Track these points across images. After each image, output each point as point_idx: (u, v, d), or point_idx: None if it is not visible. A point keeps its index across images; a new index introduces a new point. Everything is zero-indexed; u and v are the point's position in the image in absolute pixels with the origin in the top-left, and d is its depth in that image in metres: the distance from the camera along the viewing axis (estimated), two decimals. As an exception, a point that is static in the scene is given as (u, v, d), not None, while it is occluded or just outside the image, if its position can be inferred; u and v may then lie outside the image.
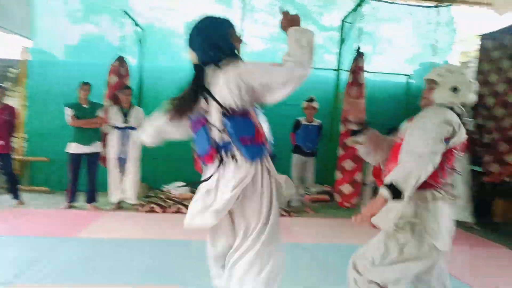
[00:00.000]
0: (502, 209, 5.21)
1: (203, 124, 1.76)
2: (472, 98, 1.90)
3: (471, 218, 4.89)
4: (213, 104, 1.71)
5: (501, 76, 4.88)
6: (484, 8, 6.28)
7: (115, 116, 4.85)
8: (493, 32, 5.52)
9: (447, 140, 1.74)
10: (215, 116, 1.72)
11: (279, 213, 1.85)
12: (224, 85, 1.66)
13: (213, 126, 1.73)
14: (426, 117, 1.83)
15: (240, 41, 1.85)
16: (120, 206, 5.01)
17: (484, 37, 5.52)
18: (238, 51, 1.82)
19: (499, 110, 4.77)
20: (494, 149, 4.71)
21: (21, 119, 5.86)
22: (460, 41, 8.18)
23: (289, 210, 5.08)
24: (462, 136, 1.80)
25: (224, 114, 1.69)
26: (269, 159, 1.80)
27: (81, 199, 4.95)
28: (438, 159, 1.71)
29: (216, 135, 1.73)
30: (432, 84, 1.91)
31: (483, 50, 5.34)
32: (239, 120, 1.69)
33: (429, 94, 1.93)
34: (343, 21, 6.19)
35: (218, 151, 1.74)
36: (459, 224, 5.02)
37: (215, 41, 1.75)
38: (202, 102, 1.78)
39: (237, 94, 1.65)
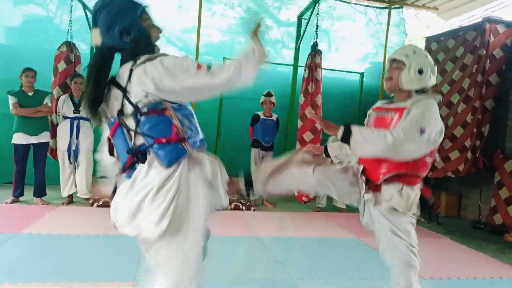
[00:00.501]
0: (445, 203, 5.65)
1: (118, 125, 1.51)
2: (433, 81, 1.92)
3: (418, 211, 5.24)
4: (126, 102, 1.48)
5: (446, 78, 5.24)
6: (430, 12, 6.70)
7: (65, 106, 4.60)
8: (437, 35, 5.91)
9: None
10: (128, 116, 1.49)
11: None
12: (134, 80, 1.45)
13: (127, 127, 1.49)
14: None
15: (159, 30, 1.62)
16: (72, 200, 4.78)
17: (429, 39, 5.88)
18: (154, 41, 1.61)
19: (443, 109, 5.13)
20: (439, 147, 5.08)
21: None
22: (409, 42, 8.66)
23: (247, 203, 5.14)
24: None
25: (135, 113, 1.46)
26: (196, 158, 1.55)
27: (29, 193, 4.65)
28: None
29: (132, 137, 1.49)
30: (399, 64, 1.91)
31: (430, 51, 5.70)
32: (153, 119, 1.47)
33: (394, 74, 1.92)
34: (299, 17, 6.31)
35: (134, 156, 1.49)
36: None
37: (121, 21, 1.49)
38: (114, 98, 1.53)
39: (145, 91, 1.44)
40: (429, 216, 5.26)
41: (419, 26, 8.76)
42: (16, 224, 3.75)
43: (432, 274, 3.21)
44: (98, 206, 4.64)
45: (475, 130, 4.76)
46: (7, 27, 6.37)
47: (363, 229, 4.60)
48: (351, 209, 5.52)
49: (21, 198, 4.66)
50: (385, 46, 6.78)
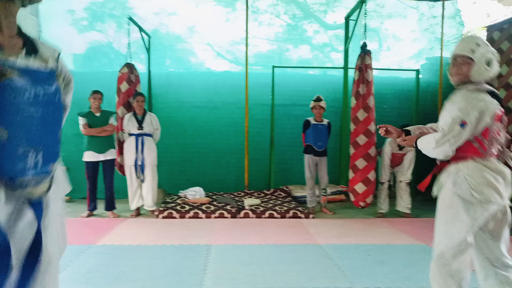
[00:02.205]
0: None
1: None
2: (497, 68, 1.98)
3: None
4: None
5: (512, 68, 4.85)
6: (489, 0, 6.28)
7: (129, 123, 4.90)
8: (499, 23, 5.49)
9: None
10: None
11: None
12: None
13: None
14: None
15: None
16: (139, 212, 5.07)
17: (490, 28, 5.49)
18: None
19: (512, 102, 4.76)
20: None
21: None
22: (468, 33, 8.15)
23: (306, 211, 5.11)
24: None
25: None
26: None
27: (102, 207, 5.01)
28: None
29: None
30: (466, 59, 1.97)
31: (492, 41, 5.32)
32: None
33: (463, 69, 1.98)
34: (346, 18, 6.21)
35: None
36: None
37: None
38: None
39: None
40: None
41: (478, 16, 8.22)
42: (91, 236, 4.05)
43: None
44: (163, 217, 4.87)
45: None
46: (74, 54, 6.95)
47: (431, 234, 4.38)
48: (416, 214, 5.28)
49: (94, 212, 5.02)
50: (441, 40, 6.45)
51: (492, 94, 1.98)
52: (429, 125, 2.31)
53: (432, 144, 1.98)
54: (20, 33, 1.27)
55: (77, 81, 5.77)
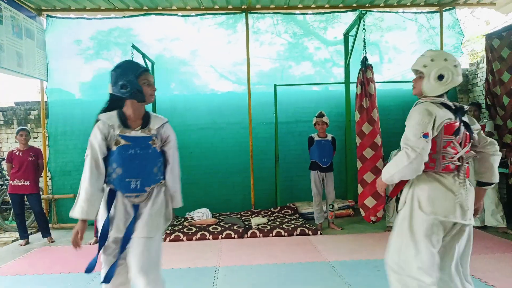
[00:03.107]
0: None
1: None
2: (458, 80, 2.01)
3: (504, 223, 4.79)
4: None
5: (514, 74, 4.84)
6: (487, 8, 6.31)
7: None
8: (498, 31, 5.51)
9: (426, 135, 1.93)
10: None
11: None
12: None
13: None
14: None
15: (152, 88, 2.18)
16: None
17: (490, 36, 5.51)
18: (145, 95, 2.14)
19: (516, 108, 4.73)
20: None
21: (45, 159, 6.04)
22: (467, 42, 8.17)
23: (313, 228, 5.06)
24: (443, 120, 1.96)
25: None
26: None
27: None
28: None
29: None
30: (419, 73, 2.08)
31: (492, 49, 5.32)
32: None
33: (417, 83, 2.10)
34: (345, 35, 6.29)
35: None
36: (492, 229, 4.95)
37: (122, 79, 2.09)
38: None
39: None
40: (517, 227, 4.78)
41: (477, 24, 8.25)
42: (99, 263, 4.04)
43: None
44: (170, 241, 4.87)
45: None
46: (81, 83, 7.11)
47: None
48: (425, 226, 5.19)
49: (102, 238, 5.04)
50: (441, 50, 6.47)
51: (448, 107, 2.00)
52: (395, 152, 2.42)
53: (404, 162, 1.91)
54: (145, 115, 2.18)
55: (84, 109, 5.94)
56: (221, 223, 5.40)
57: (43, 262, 4.21)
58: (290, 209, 6.07)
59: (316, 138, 5.22)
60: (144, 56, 6.10)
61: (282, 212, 6.03)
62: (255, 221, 5.33)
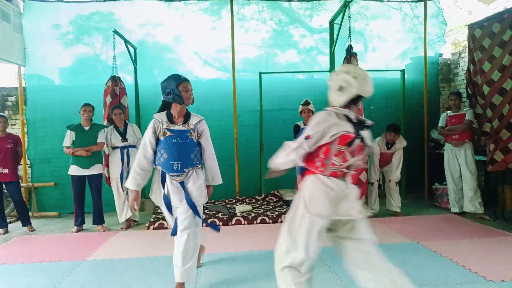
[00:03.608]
0: (510, 198, 5.24)
1: None
2: (362, 90, 2.11)
3: (481, 209, 4.92)
4: None
5: (495, 64, 4.92)
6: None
7: (112, 137, 4.88)
8: (480, 21, 5.58)
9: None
10: None
11: None
12: None
13: None
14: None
15: (189, 94, 2.78)
16: (130, 225, 5.03)
17: (472, 26, 5.57)
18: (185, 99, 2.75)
19: (496, 98, 4.81)
20: (496, 137, 4.75)
21: (24, 146, 5.89)
22: (450, 32, 8.26)
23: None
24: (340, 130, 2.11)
25: None
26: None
27: (91, 222, 4.97)
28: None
29: None
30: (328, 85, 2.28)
31: (473, 39, 5.39)
32: None
33: (328, 94, 2.27)
34: (330, 22, 6.27)
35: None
36: (470, 215, 5.09)
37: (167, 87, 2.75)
38: None
39: None
40: (494, 212, 4.92)
41: (461, 14, 8.34)
42: (82, 251, 4.01)
43: (502, 276, 3.00)
44: (154, 229, 4.84)
45: (534, 116, 4.41)
46: (60, 68, 6.91)
47: (422, 232, 4.44)
48: (408, 212, 5.31)
49: (85, 226, 4.98)
50: (425, 39, 6.55)
51: (350, 119, 2.14)
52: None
53: (287, 151, 2.16)
54: (186, 113, 2.84)
55: (64, 95, 5.79)
56: (206, 211, 5.40)
57: (23, 251, 4.13)
58: (275, 197, 6.10)
59: (302, 126, 5.22)
60: (126, 41, 5.95)
61: (267, 199, 6.06)
62: (240, 208, 5.35)
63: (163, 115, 2.80)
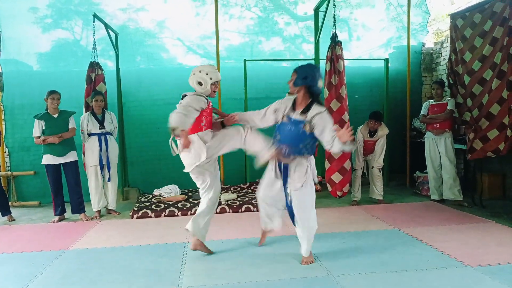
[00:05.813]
0: (488, 185, 5.40)
1: None
2: (207, 89, 3.21)
3: (460, 196, 5.06)
4: None
5: (476, 54, 5.00)
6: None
7: (89, 124, 4.80)
8: (462, 10, 5.64)
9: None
10: None
11: None
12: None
13: None
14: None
15: None
16: (100, 213, 4.97)
17: (454, 16, 5.63)
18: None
19: (476, 87, 4.90)
20: (476, 126, 4.86)
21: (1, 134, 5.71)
22: (432, 21, 8.34)
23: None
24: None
25: None
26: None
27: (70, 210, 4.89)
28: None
29: None
30: None
31: (455, 29, 5.46)
32: None
33: None
34: (315, 10, 6.23)
35: None
36: (449, 202, 5.21)
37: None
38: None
39: None
40: (472, 199, 5.06)
41: (443, 4, 8.42)
42: (64, 241, 3.95)
43: (480, 261, 3.10)
44: (138, 217, 4.80)
45: (512, 105, 4.52)
46: (38, 53, 6.68)
47: (403, 219, 4.53)
48: (390, 200, 5.41)
49: (66, 216, 4.89)
50: (408, 28, 6.59)
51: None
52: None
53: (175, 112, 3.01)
54: (309, 104, 2.99)
55: (43, 80, 5.62)
56: (190, 200, 5.38)
57: (3, 241, 4.04)
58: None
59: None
60: (107, 26, 5.78)
61: (252, 188, 6.07)
62: (225, 197, 5.35)
63: (290, 100, 3.10)
